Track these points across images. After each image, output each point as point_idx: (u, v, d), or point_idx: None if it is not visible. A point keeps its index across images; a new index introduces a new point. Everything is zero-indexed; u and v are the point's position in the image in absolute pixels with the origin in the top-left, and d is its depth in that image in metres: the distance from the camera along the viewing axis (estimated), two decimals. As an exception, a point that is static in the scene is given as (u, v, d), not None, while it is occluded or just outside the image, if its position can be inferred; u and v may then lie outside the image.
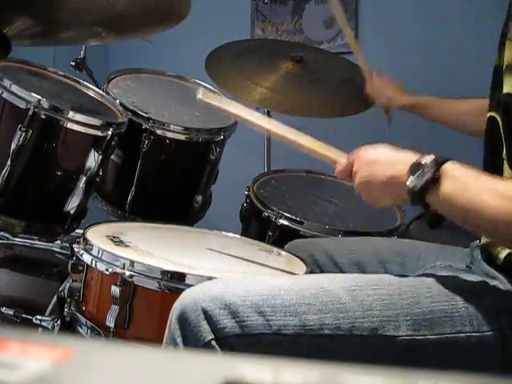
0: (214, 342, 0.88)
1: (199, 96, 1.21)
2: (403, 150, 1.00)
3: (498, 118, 1.03)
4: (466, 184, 0.90)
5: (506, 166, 1.00)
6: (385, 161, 1.00)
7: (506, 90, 0.99)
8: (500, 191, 0.87)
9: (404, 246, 1.29)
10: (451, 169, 0.91)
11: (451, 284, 0.99)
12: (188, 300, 0.91)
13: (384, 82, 1.84)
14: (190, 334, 0.89)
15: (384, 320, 0.92)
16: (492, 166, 1.03)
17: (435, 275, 1.02)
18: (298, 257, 1.32)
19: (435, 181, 0.90)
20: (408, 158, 0.95)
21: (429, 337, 0.92)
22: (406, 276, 1.03)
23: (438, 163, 0.91)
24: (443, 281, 1.00)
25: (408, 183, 0.92)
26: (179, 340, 0.89)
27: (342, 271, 1.26)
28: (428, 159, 0.92)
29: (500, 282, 0.99)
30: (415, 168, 0.92)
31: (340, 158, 1.11)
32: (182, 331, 0.89)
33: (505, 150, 1.00)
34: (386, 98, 1.80)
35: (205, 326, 0.88)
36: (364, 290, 0.95)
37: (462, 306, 0.95)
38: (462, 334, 0.93)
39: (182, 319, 0.89)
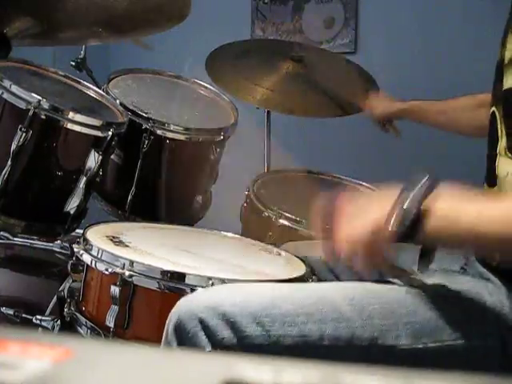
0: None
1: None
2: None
3: (497, 113, 1.03)
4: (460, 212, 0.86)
5: (500, 161, 1.00)
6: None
7: (506, 85, 0.99)
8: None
9: (399, 249, 1.29)
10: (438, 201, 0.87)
11: (448, 290, 0.98)
12: (184, 309, 0.90)
13: (377, 98, 1.86)
14: (187, 344, 0.87)
15: (384, 329, 0.91)
16: (491, 162, 1.04)
17: (433, 282, 1.01)
18: (297, 257, 1.32)
19: (426, 214, 0.86)
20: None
21: (429, 345, 0.91)
22: (403, 283, 1.03)
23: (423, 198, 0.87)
24: (440, 287, 0.99)
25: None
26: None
27: (335, 275, 1.25)
28: (413, 197, 0.87)
29: (494, 284, 0.99)
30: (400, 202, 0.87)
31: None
32: (178, 341, 0.88)
33: (503, 144, 1.00)
34: (379, 111, 1.83)
35: (202, 337, 0.87)
36: (363, 298, 0.94)
37: (461, 311, 0.95)
38: (462, 340, 0.92)
39: (179, 329, 0.88)
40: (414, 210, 0.86)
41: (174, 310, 0.91)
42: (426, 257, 0.95)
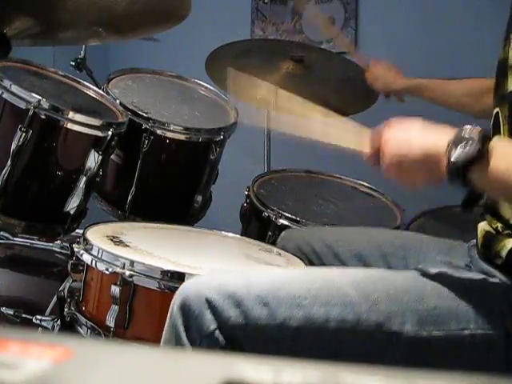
0: (217, 332, 0.86)
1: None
2: (436, 125, 0.92)
3: (500, 114, 1.02)
4: None
5: None
6: (418, 135, 0.92)
7: (511, 87, 0.99)
8: None
9: (405, 238, 1.28)
10: (502, 144, 0.87)
11: (455, 282, 0.98)
12: (191, 289, 0.89)
13: (381, 68, 1.84)
14: (192, 323, 0.87)
15: (390, 315, 0.91)
16: None
17: (440, 272, 1.01)
18: (297, 257, 1.32)
19: (482, 155, 0.85)
20: (446, 130, 0.89)
21: (434, 333, 0.91)
22: (410, 270, 1.03)
23: (486, 137, 0.86)
24: (448, 278, 0.99)
25: (451, 157, 0.85)
26: (181, 329, 0.87)
27: (342, 262, 1.25)
28: (474, 132, 0.85)
29: (500, 280, 0.99)
30: (459, 140, 0.86)
31: (365, 141, 1.02)
32: (184, 320, 0.87)
33: None
34: (382, 83, 1.81)
35: (208, 316, 0.86)
36: (370, 284, 0.94)
37: (467, 303, 0.94)
38: (467, 331, 0.92)
39: (185, 308, 0.87)
40: (474, 149, 0.84)
41: (178, 291, 0.91)
42: (473, 198, 0.94)
